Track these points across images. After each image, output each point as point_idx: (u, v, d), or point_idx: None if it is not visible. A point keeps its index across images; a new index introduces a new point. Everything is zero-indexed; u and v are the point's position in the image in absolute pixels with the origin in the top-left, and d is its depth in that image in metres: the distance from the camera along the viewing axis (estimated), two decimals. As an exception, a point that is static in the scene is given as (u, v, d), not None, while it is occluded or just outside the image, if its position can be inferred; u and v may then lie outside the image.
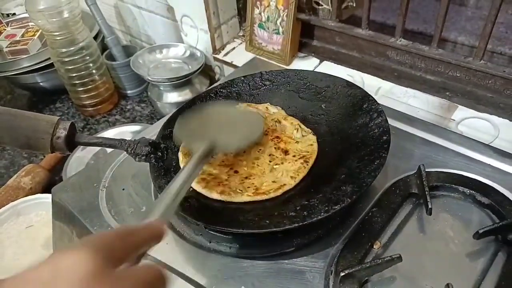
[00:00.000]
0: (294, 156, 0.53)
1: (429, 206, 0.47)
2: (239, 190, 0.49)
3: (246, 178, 0.51)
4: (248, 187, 0.50)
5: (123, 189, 0.57)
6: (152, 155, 0.53)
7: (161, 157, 0.53)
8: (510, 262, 0.43)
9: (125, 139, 0.53)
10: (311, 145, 0.55)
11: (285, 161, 0.53)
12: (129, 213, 0.54)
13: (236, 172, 0.52)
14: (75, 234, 0.57)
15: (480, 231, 0.44)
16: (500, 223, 0.45)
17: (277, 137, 0.57)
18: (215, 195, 0.49)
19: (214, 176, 0.52)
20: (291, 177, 0.51)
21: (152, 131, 0.64)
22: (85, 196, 0.57)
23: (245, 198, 0.48)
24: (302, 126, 0.59)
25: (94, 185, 0.58)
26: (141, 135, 0.64)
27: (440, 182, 0.51)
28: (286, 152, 0.54)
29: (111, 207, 0.55)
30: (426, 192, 0.48)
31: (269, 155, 0.55)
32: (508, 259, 0.44)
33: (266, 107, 0.62)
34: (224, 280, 0.46)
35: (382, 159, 0.47)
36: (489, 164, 0.55)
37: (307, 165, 0.52)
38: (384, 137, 0.50)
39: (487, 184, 0.51)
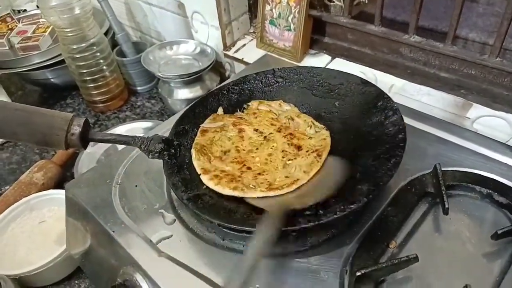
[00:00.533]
0: (307, 151, 0.53)
1: (446, 206, 0.46)
2: (252, 185, 0.49)
3: (259, 174, 0.51)
4: (261, 183, 0.50)
5: (136, 186, 0.57)
6: (165, 152, 0.53)
7: (174, 154, 0.53)
8: (529, 264, 0.43)
9: (139, 136, 0.53)
10: (324, 139, 0.55)
11: (298, 156, 0.53)
12: (142, 210, 0.54)
13: (249, 168, 0.52)
14: (88, 231, 0.57)
15: (499, 232, 0.44)
16: (519, 224, 0.45)
17: (290, 134, 0.56)
18: (227, 191, 0.49)
19: (226, 173, 0.51)
20: (304, 171, 0.50)
21: (164, 128, 0.64)
22: (98, 193, 0.57)
23: (258, 193, 0.48)
24: (316, 123, 0.58)
25: (107, 182, 0.58)
26: (153, 132, 0.64)
27: (456, 181, 0.51)
28: (299, 147, 0.54)
29: (125, 204, 0.55)
30: (443, 192, 0.47)
31: (282, 151, 0.54)
32: (527, 260, 0.44)
33: (279, 104, 0.62)
34: (238, 278, 0.45)
35: (398, 157, 0.46)
36: (505, 163, 0.54)
37: (320, 159, 0.52)
38: (400, 136, 0.49)
39: (505, 184, 0.50)
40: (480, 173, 0.52)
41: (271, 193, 0.48)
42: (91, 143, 0.51)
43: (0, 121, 0.48)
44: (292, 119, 0.59)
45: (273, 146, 0.55)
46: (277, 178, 0.50)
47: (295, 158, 0.53)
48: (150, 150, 0.52)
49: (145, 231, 0.51)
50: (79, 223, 0.59)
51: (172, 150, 0.53)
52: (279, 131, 0.57)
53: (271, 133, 0.57)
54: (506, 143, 0.59)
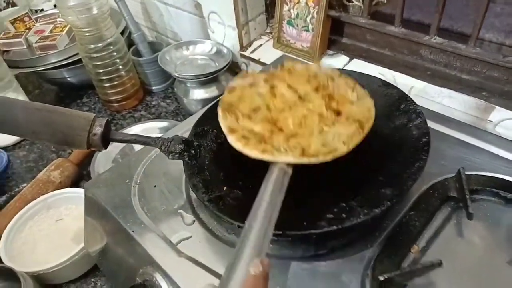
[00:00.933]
0: (347, 118, 0.47)
1: (470, 211, 0.45)
2: (284, 148, 0.44)
3: (291, 136, 0.46)
4: (294, 147, 0.44)
5: (155, 186, 0.57)
6: (185, 153, 0.52)
7: (194, 155, 0.53)
8: (557, 272, 0.42)
9: (159, 137, 0.53)
10: (369, 109, 0.49)
11: (336, 123, 0.47)
12: (161, 210, 0.54)
13: (280, 130, 0.47)
14: (107, 230, 0.57)
15: (526, 239, 0.43)
16: (546, 231, 0.44)
17: (329, 95, 0.50)
18: (256, 154, 0.44)
19: (255, 133, 0.47)
20: (344, 142, 0.45)
21: (183, 129, 0.64)
22: (117, 192, 0.57)
23: (290, 158, 0.43)
24: (358, 86, 0.52)
25: (126, 182, 0.58)
26: (171, 132, 0.65)
27: (480, 186, 0.50)
28: (338, 113, 0.48)
29: (144, 204, 0.55)
30: (467, 196, 0.46)
31: (319, 114, 0.48)
32: (554, 268, 0.43)
33: (318, 65, 0.56)
34: (258, 281, 0.45)
35: (422, 162, 0.46)
36: (531, 169, 0.53)
37: (362, 131, 0.46)
38: (424, 139, 0.48)
39: (531, 189, 0.49)
40: (504, 177, 0.51)
41: (304, 160, 0.43)
42: (107, 142, 0.52)
43: (21, 121, 0.48)
44: (333, 79, 0.52)
45: (308, 107, 0.49)
46: (312, 144, 0.44)
47: (333, 125, 0.47)
48: (170, 151, 0.52)
49: (165, 231, 0.51)
50: (98, 223, 0.60)
51: (192, 151, 0.53)
52: (316, 91, 0.50)
53: (306, 92, 0.50)
54: (531, 147, 0.57)
